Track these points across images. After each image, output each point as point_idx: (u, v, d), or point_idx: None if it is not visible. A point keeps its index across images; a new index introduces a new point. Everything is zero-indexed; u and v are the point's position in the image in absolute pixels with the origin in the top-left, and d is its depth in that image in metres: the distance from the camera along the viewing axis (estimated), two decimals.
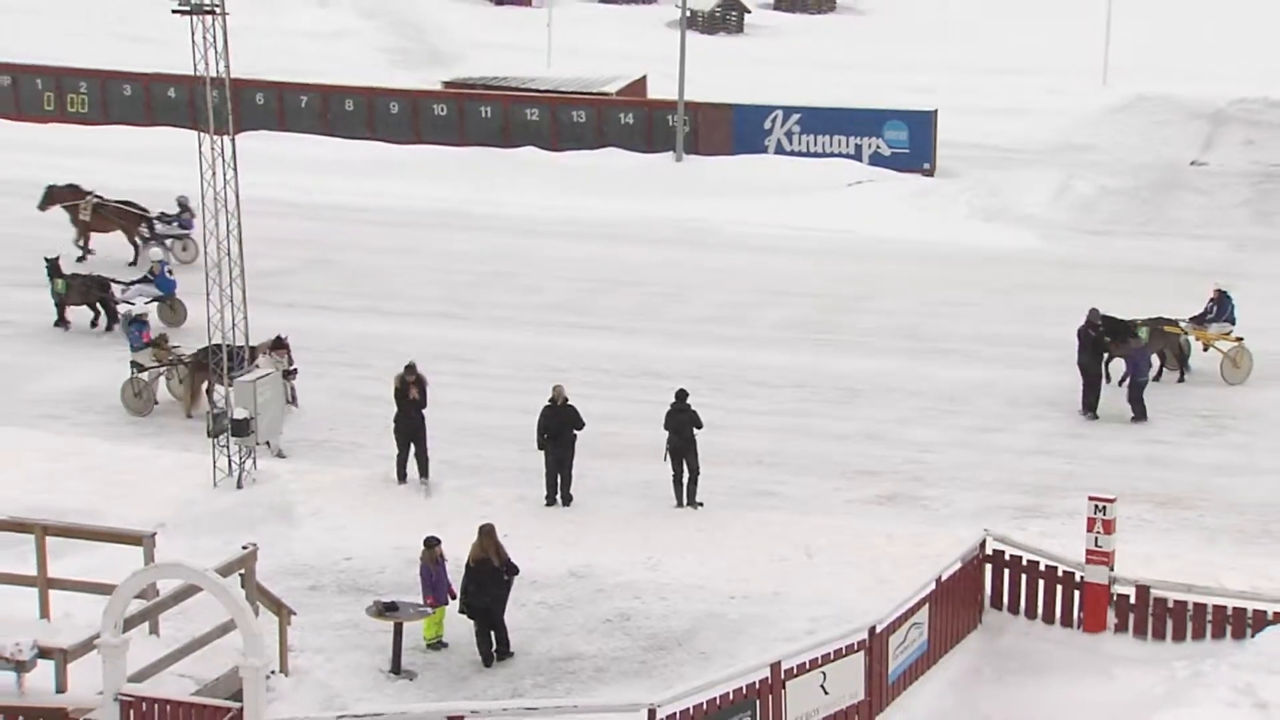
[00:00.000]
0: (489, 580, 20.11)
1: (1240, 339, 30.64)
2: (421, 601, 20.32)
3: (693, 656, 20.23)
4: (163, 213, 39.06)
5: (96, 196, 39.03)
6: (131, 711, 16.75)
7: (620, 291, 37.33)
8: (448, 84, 57.50)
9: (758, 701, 17.38)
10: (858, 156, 49.81)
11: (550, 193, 46.47)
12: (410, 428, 25.46)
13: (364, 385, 30.02)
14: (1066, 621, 20.26)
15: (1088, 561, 20.01)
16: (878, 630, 18.54)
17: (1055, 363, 30.29)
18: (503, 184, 47.57)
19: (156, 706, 16.76)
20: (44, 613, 18.89)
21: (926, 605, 19.52)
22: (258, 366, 25.88)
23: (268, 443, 25.63)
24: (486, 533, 20.34)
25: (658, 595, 21.93)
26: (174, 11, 23.85)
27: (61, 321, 33.82)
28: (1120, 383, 29.32)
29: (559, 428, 24.83)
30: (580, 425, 24.94)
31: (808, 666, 17.87)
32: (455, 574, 20.38)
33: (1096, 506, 19.95)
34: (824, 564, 22.82)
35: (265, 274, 33.10)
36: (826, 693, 18.02)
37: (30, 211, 39.56)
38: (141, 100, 55.18)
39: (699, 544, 23.54)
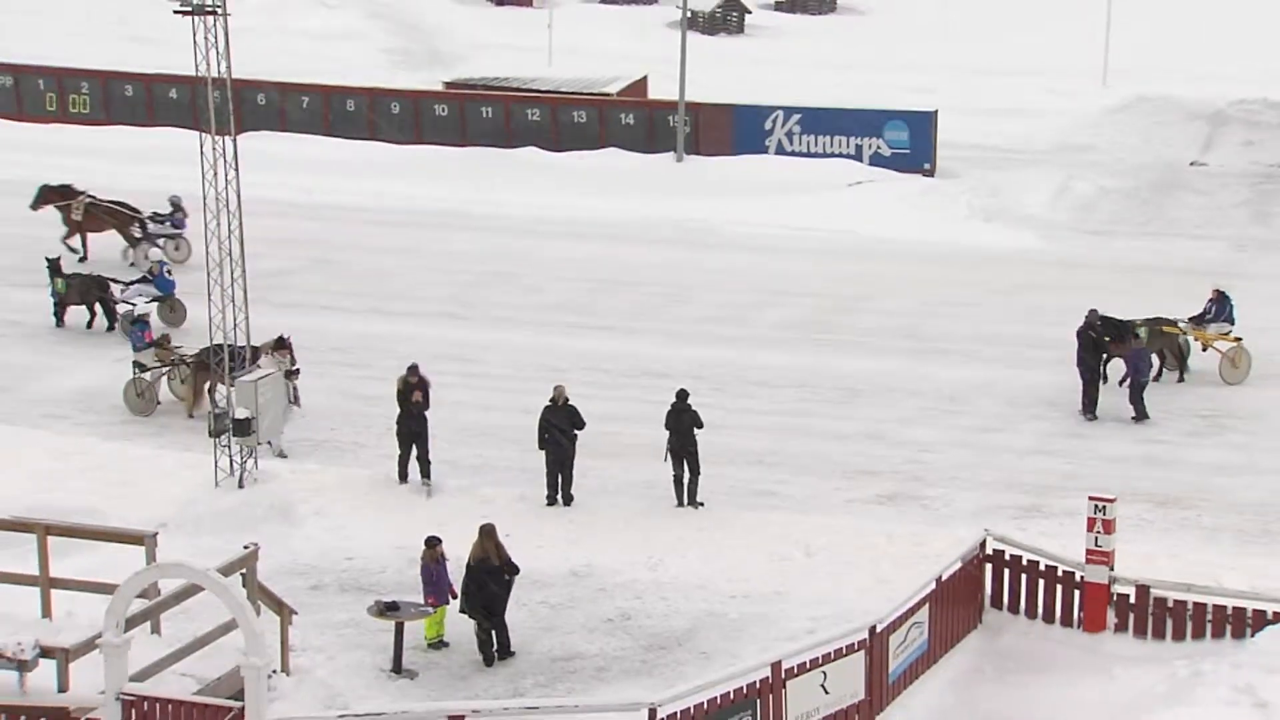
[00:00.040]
0: (490, 580, 20.13)
1: (1239, 339, 30.67)
2: (423, 601, 20.34)
3: (693, 656, 20.25)
4: (155, 212, 39.09)
5: (89, 196, 39.07)
6: (133, 711, 16.72)
7: (621, 291, 37.37)
8: (449, 84, 57.59)
9: (758, 701, 17.38)
10: (858, 157, 49.89)
11: (551, 193, 46.53)
12: (413, 430, 25.46)
13: (365, 385, 30.06)
14: (1067, 621, 20.27)
15: (1088, 561, 20.03)
16: (878, 630, 18.55)
17: (1055, 363, 30.32)
18: (504, 184, 47.64)
19: (158, 706, 16.74)
20: (46, 612, 18.89)
21: (927, 605, 19.53)
22: (259, 366, 25.90)
23: (269, 442, 25.67)
24: (487, 532, 20.37)
25: (658, 595, 21.96)
26: (176, 12, 23.88)
27: (60, 321, 33.86)
28: (1121, 383, 29.34)
29: (560, 428, 24.86)
30: (581, 425, 24.97)
31: (808, 666, 17.87)
32: (456, 573, 20.41)
33: (1096, 506, 19.97)
34: (824, 563, 22.83)
35: (267, 274, 33.13)
36: (827, 692, 18.04)
37: (33, 213, 39.55)
38: (143, 100, 55.27)
39: (700, 543, 23.56)
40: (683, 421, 24.83)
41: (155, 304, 33.33)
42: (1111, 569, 20.01)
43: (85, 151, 49.75)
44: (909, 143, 49.62)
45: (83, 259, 38.44)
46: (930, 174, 49.07)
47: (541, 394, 25.65)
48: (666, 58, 56.15)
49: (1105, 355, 29.46)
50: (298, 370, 27.92)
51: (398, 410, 25.71)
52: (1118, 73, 64.25)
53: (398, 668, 19.84)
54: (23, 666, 17.43)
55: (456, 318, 35.33)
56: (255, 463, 24.61)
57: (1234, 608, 19.51)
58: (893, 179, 48.23)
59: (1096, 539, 19.96)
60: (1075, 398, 28.92)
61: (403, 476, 25.64)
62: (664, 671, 19.79)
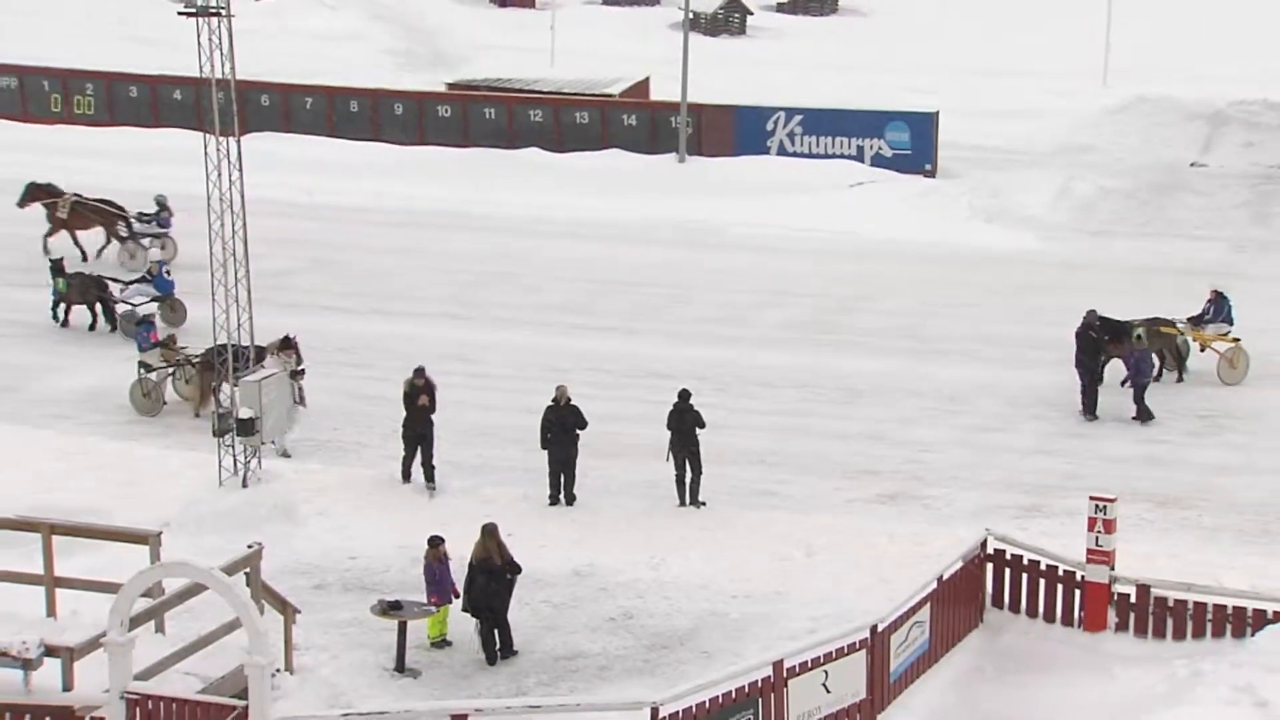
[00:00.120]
0: (492, 579, 20.19)
1: (1237, 340, 30.72)
2: (425, 600, 20.40)
3: (695, 655, 20.30)
4: (141, 212, 39.17)
5: (75, 195, 39.14)
6: (137, 709, 16.78)
7: (623, 292, 37.43)
8: (452, 86, 57.64)
9: (760, 700, 17.44)
10: (859, 158, 49.93)
11: (553, 193, 46.58)
12: (418, 432, 25.47)
13: (368, 385, 30.13)
14: (1067, 620, 20.32)
15: (1088, 561, 20.08)
16: (879, 629, 18.60)
17: (1055, 363, 30.38)
18: (506, 185, 47.69)
19: (162, 704, 16.80)
20: (51, 611, 18.93)
21: (928, 604, 19.58)
22: (263, 366, 25.97)
23: (273, 442, 25.72)
24: (489, 532, 20.45)
25: (660, 594, 22.02)
26: (181, 13, 23.94)
27: (57, 319, 33.96)
28: (1123, 384, 29.38)
29: (562, 428, 24.93)
30: (583, 425, 25.03)
31: (810, 665, 17.92)
32: (459, 573, 20.48)
33: (1097, 506, 20.02)
34: (826, 563, 22.89)
35: (269, 274, 33.16)
36: (828, 691, 18.09)
37: (35, 212, 39.63)
38: (147, 102, 55.31)
39: (702, 543, 23.62)
40: (685, 421, 24.89)
41: (155, 304, 33.41)
42: (1112, 568, 20.05)
43: (89, 152, 49.79)
44: (910, 144, 49.66)
45: (95, 257, 38.56)
46: (931, 175, 49.10)
47: (543, 394, 25.71)
48: (668, 59, 56.18)
49: (1104, 356, 29.51)
50: (303, 370, 27.96)
51: (402, 412, 25.72)
52: (1118, 73, 64.27)
53: (401, 667, 19.90)
54: (28, 665, 17.48)
55: (458, 318, 35.40)
56: (259, 462, 24.66)
57: (1234, 607, 19.56)
58: (894, 180, 48.26)
59: (1097, 539, 20.01)
60: (1075, 398, 28.97)
61: (406, 477, 25.70)
62: (666, 670, 19.84)
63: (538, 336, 33.73)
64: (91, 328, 33.74)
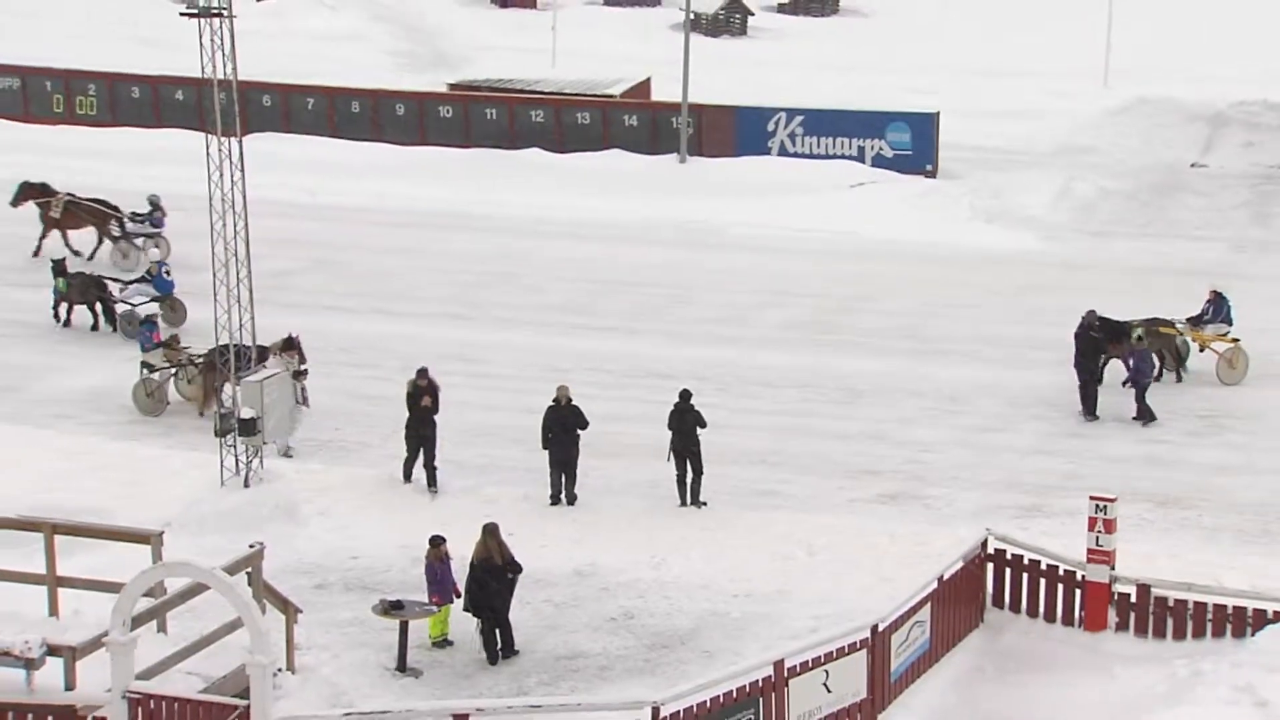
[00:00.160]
0: (493, 579, 20.22)
1: (1236, 340, 30.74)
2: (427, 600, 20.44)
3: (696, 655, 20.33)
4: (134, 212, 39.20)
5: (69, 194, 39.17)
6: (139, 709, 16.80)
7: (624, 292, 37.47)
8: (453, 86, 57.69)
9: (761, 699, 17.48)
10: (860, 158, 49.97)
11: (554, 194, 46.61)
12: (421, 435, 25.48)
13: (370, 385, 30.17)
14: (1068, 620, 20.36)
15: (1089, 561, 20.12)
16: (880, 629, 18.64)
17: (1055, 363, 30.40)
18: (507, 185, 47.73)
19: (164, 704, 16.82)
20: (53, 611, 18.94)
21: (928, 604, 19.62)
22: (265, 366, 26.00)
23: (274, 441, 25.75)
24: (490, 531, 20.49)
25: (661, 594, 22.05)
26: (183, 14, 23.97)
27: (58, 319, 34.02)
28: (1124, 384, 29.40)
29: (563, 428, 24.96)
30: (584, 425, 25.06)
31: (810, 665, 17.96)
32: (460, 572, 20.52)
33: (1097, 506, 20.06)
34: (827, 563, 22.92)
35: (271, 275, 33.24)
36: (829, 691, 18.12)
37: (36, 213, 39.65)
38: (150, 102, 55.35)
39: (703, 543, 23.65)
40: (686, 421, 24.93)
41: (154, 304, 33.44)
42: (1112, 568, 20.09)
43: (91, 153, 49.84)
44: (911, 144, 49.70)
45: (91, 257, 38.59)
46: (932, 175, 49.13)
47: (544, 394, 25.74)
48: (669, 59, 56.22)
49: (1104, 356, 29.55)
50: (305, 370, 27.96)
51: (405, 412, 25.70)
52: (1118, 74, 64.31)
53: (402, 666, 19.93)
54: (30, 665, 17.47)
55: (460, 318, 35.44)
56: (261, 462, 24.69)
57: (1234, 607, 19.59)
58: (895, 180, 48.29)
59: (1097, 538, 20.05)
60: (1075, 398, 28.99)
61: (407, 477, 25.72)
62: (667, 670, 19.87)
63: (539, 337, 33.76)
64: (94, 328, 33.78)
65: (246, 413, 24.24)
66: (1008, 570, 20.83)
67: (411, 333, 33.68)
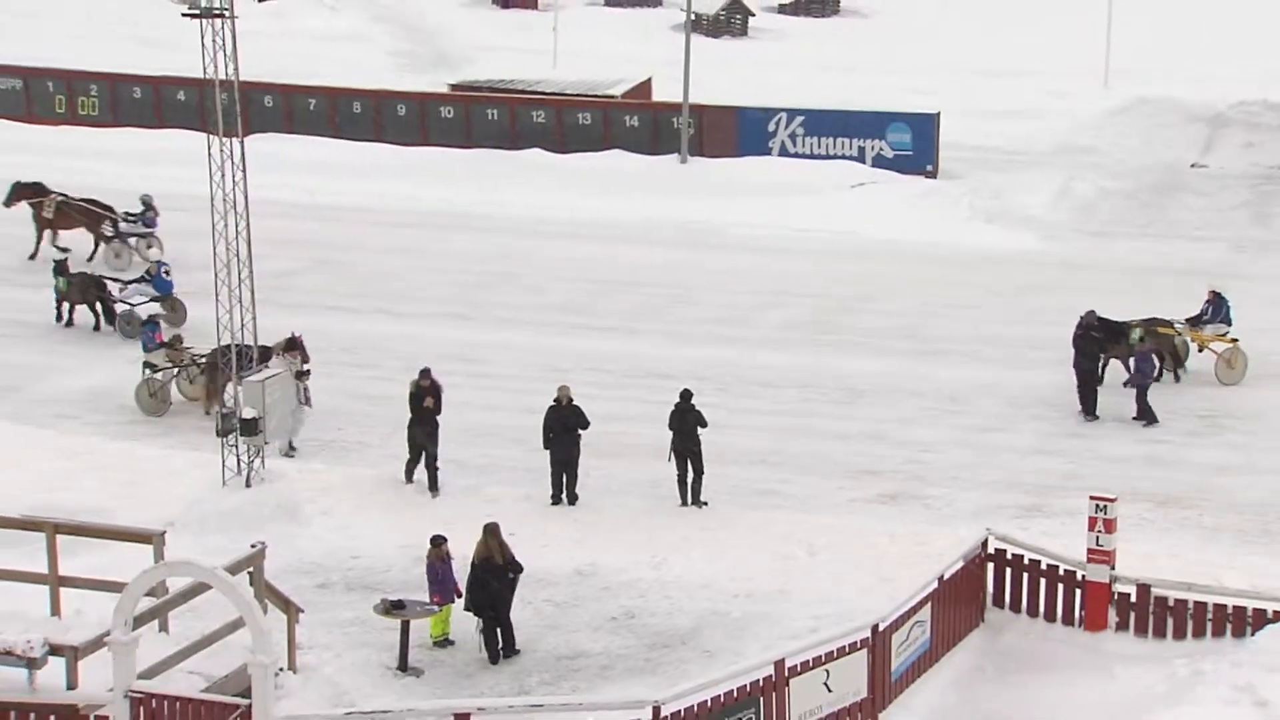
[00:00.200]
0: (494, 578, 20.26)
1: (1235, 340, 30.77)
2: (428, 599, 20.48)
3: (697, 654, 20.36)
4: (126, 212, 39.22)
5: (61, 194, 39.20)
6: (141, 708, 16.84)
7: (624, 292, 37.49)
8: (454, 87, 57.72)
9: (761, 699, 17.51)
10: (861, 158, 50.00)
11: (555, 194, 46.63)
12: (423, 435, 25.49)
13: (371, 385, 30.20)
14: (1068, 620, 20.39)
15: (1089, 560, 20.14)
16: (880, 628, 18.67)
17: (1055, 363, 30.43)
18: (508, 185, 47.76)
19: (166, 703, 16.86)
20: (55, 610, 18.97)
21: (929, 604, 19.65)
22: (267, 366, 26.03)
23: (277, 442, 25.78)
24: (491, 531, 20.53)
25: (662, 593, 22.08)
26: (185, 15, 24.01)
27: (60, 318, 34.06)
28: (1126, 385, 29.42)
29: (564, 427, 24.99)
30: (585, 425, 25.09)
31: (811, 664, 18.00)
32: (462, 572, 20.55)
33: (1097, 506, 20.08)
34: (827, 562, 22.95)
35: (272, 275, 33.27)
36: (830, 690, 18.15)
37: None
38: (151, 103, 55.38)
39: (703, 543, 23.68)
40: (686, 421, 24.96)
41: (154, 304, 33.47)
42: (1112, 568, 20.12)
43: (93, 153, 49.87)
44: (911, 144, 49.72)
45: (69, 257, 38.64)
46: (932, 175, 49.14)
47: (546, 394, 25.77)
48: (671, 60, 56.23)
49: (1103, 356, 29.57)
50: (308, 371, 27.97)
51: (408, 412, 25.70)
52: (1118, 74, 64.31)
53: (403, 666, 19.97)
54: (32, 664, 17.53)
55: (461, 318, 35.47)
56: (262, 462, 24.73)
57: (1234, 607, 19.62)
58: (895, 180, 48.32)
59: (1097, 538, 20.07)
60: (1075, 398, 29.00)
61: (409, 477, 25.75)
62: (668, 670, 19.90)
63: (539, 337, 33.80)
64: (96, 328, 33.81)
65: (248, 412, 24.28)
66: (1008, 570, 20.86)
67: (412, 333, 33.72)
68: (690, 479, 25.03)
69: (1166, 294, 34.24)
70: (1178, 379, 30.63)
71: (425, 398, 25.56)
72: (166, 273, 34.45)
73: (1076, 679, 19.46)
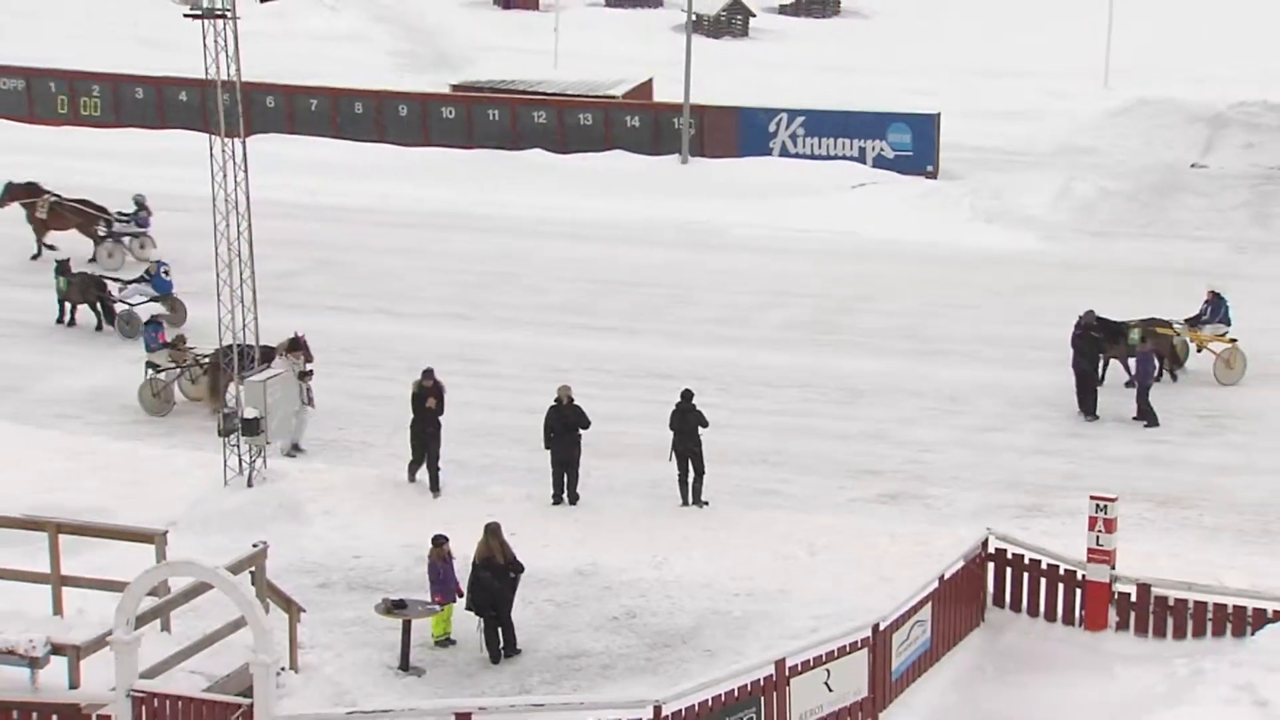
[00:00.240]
0: (495, 578, 20.30)
1: (1234, 340, 30.79)
2: (430, 599, 20.49)
3: (698, 654, 20.38)
4: (120, 211, 39.25)
5: (54, 195, 39.23)
6: (143, 707, 16.85)
7: (625, 292, 37.52)
8: (456, 87, 57.76)
9: (762, 698, 17.53)
10: (861, 159, 50.05)
11: (556, 194, 46.68)
12: (425, 436, 25.49)
13: (373, 385, 30.24)
14: (1068, 620, 20.41)
15: (1089, 560, 20.16)
16: (881, 628, 18.69)
17: (1056, 363, 30.45)
18: (509, 186, 47.80)
19: (168, 702, 16.87)
20: (57, 610, 18.98)
21: (929, 603, 19.66)
22: (269, 366, 26.06)
23: (284, 441, 25.80)
24: (492, 531, 20.56)
25: (663, 593, 22.10)
26: (186, 15, 24.05)
27: (61, 319, 34.09)
28: (1128, 385, 29.45)
29: (565, 427, 25.02)
30: (586, 425, 25.11)
31: (812, 664, 18.01)
32: (463, 572, 20.58)
33: (1098, 505, 20.10)
34: (828, 562, 22.97)
35: (274, 275, 33.31)
36: (830, 689, 18.17)
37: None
38: (153, 103, 55.44)
39: (704, 542, 23.70)
40: (687, 421, 24.99)
41: (154, 304, 33.50)
42: (1113, 568, 20.14)
43: (96, 154, 49.94)
44: (912, 145, 49.77)
45: (36, 256, 38.68)
46: (933, 176, 49.18)
47: (547, 394, 25.80)
48: (671, 61, 56.28)
49: (1102, 356, 29.60)
50: (311, 371, 27.99)
51: (410, 413, 25.69)
52: (1119, 74, 64.35)
53: (405, 665, 19.99)
54: (34, 663, 17.55)
55: (462, 318, 35.50)
56: (264, 462, 24.76)
57: (1234, 606, 19.63)
58: (896, 181, 48.37)
59: (1098, 538, 20.09)
60: (1075, 398, 29.02)
61: (411, 477, 25.77)
62: (669, 669, 19.92)
63: (540, 337, 33.83)
64: (99, 328, 33.86)
65: (250, 412, 24.31)
66: (1008, 570, 20.88)
67: (413, 333, 33.76)
68: (691, 479, 25.06)
69: (1166, 294, 34.28)
70: (1175, 379, 30.65)
71: (428, 398, 25.57)
72: (166, 273, 34.48)
73: (1077, 679, 19.47)
